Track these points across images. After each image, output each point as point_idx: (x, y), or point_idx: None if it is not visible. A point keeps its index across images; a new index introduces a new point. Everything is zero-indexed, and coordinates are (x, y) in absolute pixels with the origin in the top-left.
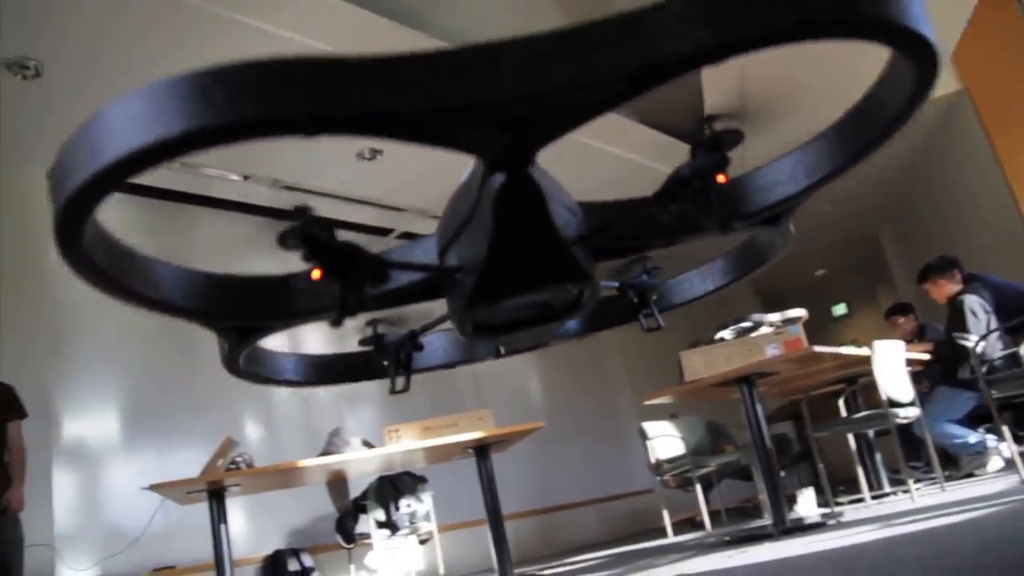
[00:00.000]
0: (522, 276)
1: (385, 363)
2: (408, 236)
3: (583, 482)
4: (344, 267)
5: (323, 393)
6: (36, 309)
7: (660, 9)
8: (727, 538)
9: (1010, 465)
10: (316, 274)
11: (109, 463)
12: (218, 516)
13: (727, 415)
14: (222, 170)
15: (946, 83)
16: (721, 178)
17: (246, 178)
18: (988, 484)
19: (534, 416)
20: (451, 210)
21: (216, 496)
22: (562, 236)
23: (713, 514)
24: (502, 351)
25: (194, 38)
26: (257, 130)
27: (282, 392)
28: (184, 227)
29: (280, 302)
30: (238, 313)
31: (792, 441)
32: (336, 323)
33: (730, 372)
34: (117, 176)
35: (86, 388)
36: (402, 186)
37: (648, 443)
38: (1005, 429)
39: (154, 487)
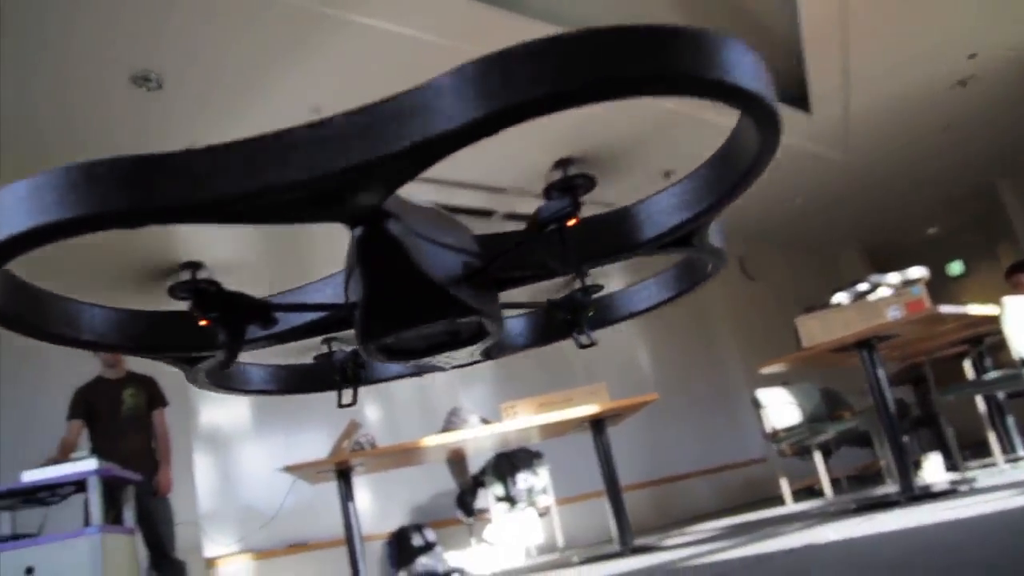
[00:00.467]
0: (400, 314)
1: (336, 378)
2: (511, 217)
3: (696, 452)
4: (228, 315)
5: (440, 375)
6: None
7: (425, 89)
8: (852, 506)
9: None
10: (203, 322)
11: (242, 447)
12: (346, 494)
13: (841, 381)
14: None
15: None
16: (572, 222)
17: None
18: None
19: (645, 389)
20: (349, 251)
21: (343, 475)
22: (430, 276)
23: (832, 482)
24: (447, 366)
25: (309, 41)
26: (85, 226)
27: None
28: None
29: (181, 338)
30: (148, 347)
31: (911, 406)
32: (224, 365)
33: (849, 337)
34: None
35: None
36: (502, 168)
37: (762, 412)
38: None
39: (288, 468)
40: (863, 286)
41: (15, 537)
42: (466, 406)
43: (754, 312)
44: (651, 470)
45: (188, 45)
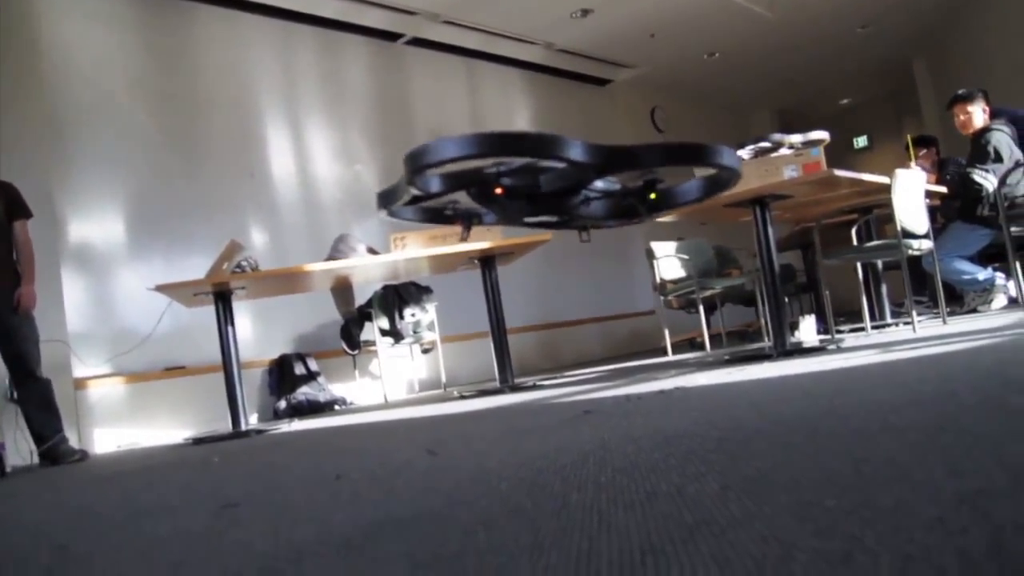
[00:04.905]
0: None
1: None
2: (416, 41)
3: (587, 300)
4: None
5: (329, 201)
6: (35, 110)
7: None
8: (727, 357)
9: (1014, 303)
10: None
11: (116, 266)
12: (225, 318)
13: (736, 241)
14: None
15: None
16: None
17: None
18: (991, 319)
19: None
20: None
21: (222, 298)
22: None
23: (713, 337)
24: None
25: None
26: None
27: (289, 198)
28: (176, 25)
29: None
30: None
31: (798, 271)
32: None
33: (745, 192)
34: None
35: (89, 191)
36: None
37: (655, 263)
38: (1018, 266)
39: (160, 288)
40: (765, 144)
41: None
42: (355, 234)
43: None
44: (543, 314)
45: None
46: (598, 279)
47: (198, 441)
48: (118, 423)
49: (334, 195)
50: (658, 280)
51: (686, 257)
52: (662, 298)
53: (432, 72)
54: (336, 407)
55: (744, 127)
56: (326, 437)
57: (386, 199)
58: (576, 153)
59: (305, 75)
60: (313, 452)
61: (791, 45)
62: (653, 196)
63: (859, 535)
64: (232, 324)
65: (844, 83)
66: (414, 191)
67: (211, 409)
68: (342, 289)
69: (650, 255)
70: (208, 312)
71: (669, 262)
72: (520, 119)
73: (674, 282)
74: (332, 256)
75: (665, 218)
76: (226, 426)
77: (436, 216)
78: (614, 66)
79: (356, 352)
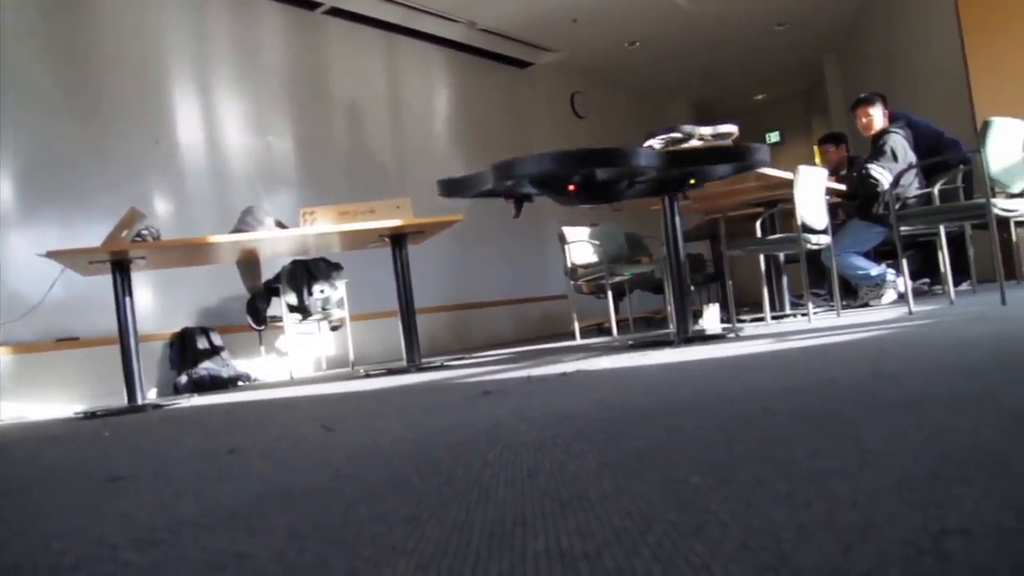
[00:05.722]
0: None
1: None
2: (335, 12)
3: (500, 282)
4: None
5: (238, 171)
6: None
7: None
8: (630, 343)
9: (903, 298)
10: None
11: (4, 229)
12: (122, 288)
13: (649, 228)
14: None
15: None
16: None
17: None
18: (879, 313)
19: (455, 211)
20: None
21: (120, 268)
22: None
23: (622, 323)
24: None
25: None
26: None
27: (196, 167)
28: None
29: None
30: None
31: (707, 262)
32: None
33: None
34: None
35: None
36: None
37: (566, 247)
38: (905, 264)
39: (51, 254)
40: (676, 134)
41: None
42: (264, 207)
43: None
44: (454, 295)
45: None
46: (512, 262)
47: (90, 415)
48: (2, 396)
49: (244, 166)
50: (569, 265)
51: (597, 243)
52: (572, 283)
53: (351, 45)
54: (240, 383)
55: (661, 116)
56: (225, 412)
57: (451, 188)
58: (648, 161)
59: (217, 39)
60: (209, 427)
61: (710, 39)
62: (692, 181)
63: (715, 509)
64: (130, 295)
65: (759, 79)
66: (488, 186)
67: (107, 383)
68: (249, 262)
69: (562, 239)
70: (105, 282)
71: (581, 247)
72: (440, 98)
73: (585, 267)
74: (239, 228)
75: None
76: (122, 401)
77: (489, 195)
78: (536, 49)
79: (262, 328)
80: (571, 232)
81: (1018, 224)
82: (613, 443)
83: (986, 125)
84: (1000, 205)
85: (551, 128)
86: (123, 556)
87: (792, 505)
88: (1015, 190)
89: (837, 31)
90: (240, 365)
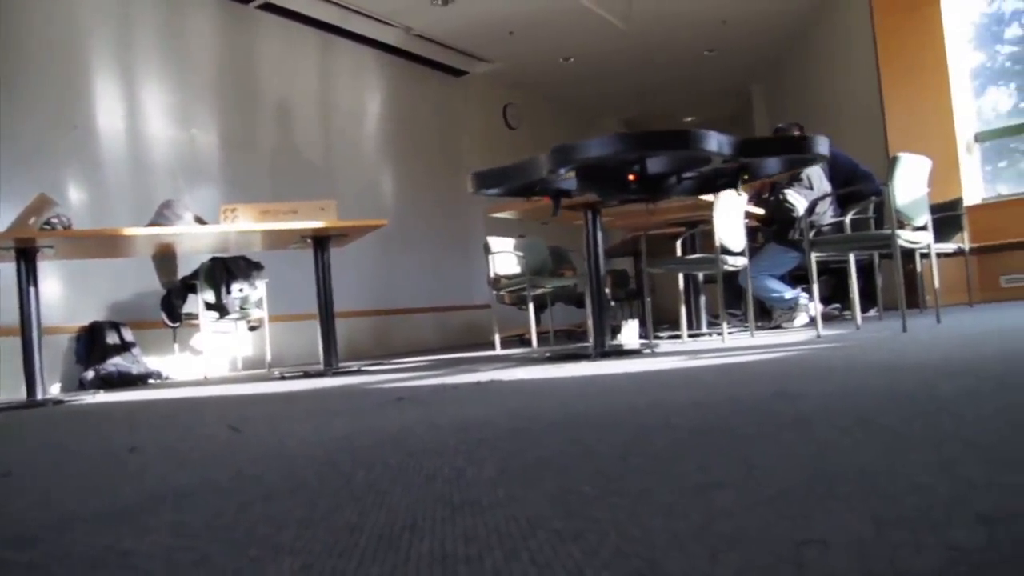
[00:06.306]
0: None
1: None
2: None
3: (424, 289)
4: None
5: (160, 163)
6: None
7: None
8: (548, 355)
9: (813, 322)
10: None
11: None
12: (27, 277)
13: (573, 242)
14: None
15: None
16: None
17: None
18: (791, 335)
19: (382, 215)
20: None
21: (25, 256)
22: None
23: (542, 335)
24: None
25: None
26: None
27: (115, 156)
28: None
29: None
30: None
31: (630, 278)
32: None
33: (577, 198)
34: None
35: None
36: None
37: (490, 257)
38: (816, 289)
39: None
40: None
41: None
42: (184, 201)
43: (509, 160)
44: (377, 300)
45: None
46: (437, 269)
47: None
48: None
49: (166, 158)
50: (492, 275)
51: (521, 254)
52: (495, 293)
53: (283, 42)
54: (150, 381)
55: (592, 132)
56: (131, 410)
57: (489, 180)
58: (720, 147)
59: (144, 25)
60: (113, 424)
61: (643, 60)
62: (746, 176)
63: (599, 517)
64: (35, 284)
65: (689, 101)
66: (542, 174)
67: (6, 376)
68: (165, 257)
69: (487, 250)
70: (9, 270)
71: (505, 258)
72: (372, 101)
73: (508, 278)
74: (155, 222)
75: (501, 214)
76: (21, 395)
77: (525, 191)
78: (471, 58)
79: (177, 325)
80: (496, 243)
81: (922, 256)
82: (515, 452)
83: (894, 161)
84: (905, 237)
85: (483, 137)
86: None
87: (672, 515)
88: (919, 223)
89: (764, 62)
90: (152, 362)
